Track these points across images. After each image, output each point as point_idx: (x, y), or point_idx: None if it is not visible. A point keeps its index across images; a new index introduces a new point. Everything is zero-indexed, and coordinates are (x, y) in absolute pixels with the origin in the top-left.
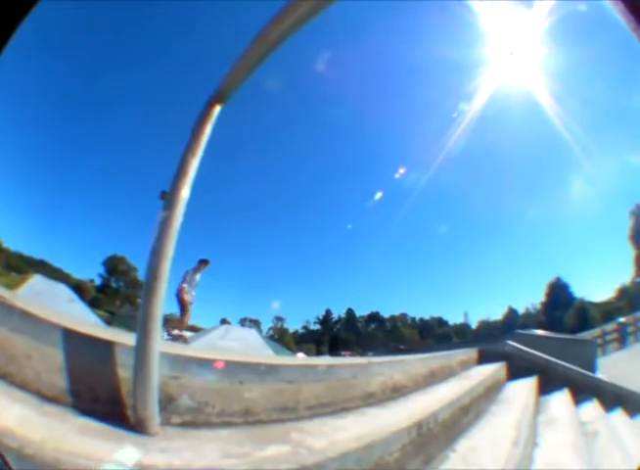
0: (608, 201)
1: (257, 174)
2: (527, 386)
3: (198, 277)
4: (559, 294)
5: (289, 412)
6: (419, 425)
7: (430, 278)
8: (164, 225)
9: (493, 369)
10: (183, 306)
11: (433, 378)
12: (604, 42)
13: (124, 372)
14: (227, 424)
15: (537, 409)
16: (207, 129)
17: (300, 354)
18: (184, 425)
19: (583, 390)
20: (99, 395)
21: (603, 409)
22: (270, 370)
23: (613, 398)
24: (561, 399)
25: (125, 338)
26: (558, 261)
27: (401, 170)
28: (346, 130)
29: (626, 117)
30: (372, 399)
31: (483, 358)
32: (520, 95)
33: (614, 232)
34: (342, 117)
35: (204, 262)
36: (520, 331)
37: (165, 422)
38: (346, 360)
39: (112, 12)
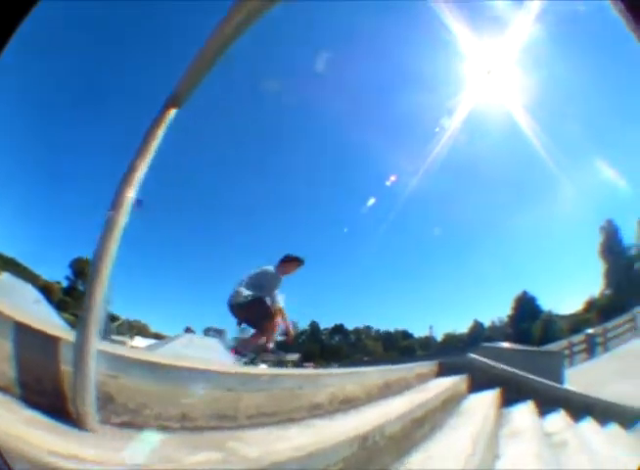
0: (579, 216)
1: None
2: (489, 398)
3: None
4: (525, 307)
5: (228, 420)
6: (364, 438)
7: (395, 291)
8: (109, 225)
9: (453, 382)
10: (270, 330)
11: (387, 390)
12: (582, 60)
13: (68, 368)
14: (164, 428)
15: (500, 422)
16: (159, 133)
17: (263, 366)
18: (122, 425)
19: (550, 401)
20: (45, 387)
21: (571, 420)
22: (210, 377)
23: (581, 407)
24: (525, 410)
25: (70, 335)
26: (525, 275)
27: (383, 183)
28: (328, 142)
29: (604, 131)
30: (319, 411)
31: (444, 371)
32: (497, 113)
33: (584, 247)
34: (326, 128)
35: (295, 262)
36: (485, 344)
37: (105, 421)
38: (293, 371)
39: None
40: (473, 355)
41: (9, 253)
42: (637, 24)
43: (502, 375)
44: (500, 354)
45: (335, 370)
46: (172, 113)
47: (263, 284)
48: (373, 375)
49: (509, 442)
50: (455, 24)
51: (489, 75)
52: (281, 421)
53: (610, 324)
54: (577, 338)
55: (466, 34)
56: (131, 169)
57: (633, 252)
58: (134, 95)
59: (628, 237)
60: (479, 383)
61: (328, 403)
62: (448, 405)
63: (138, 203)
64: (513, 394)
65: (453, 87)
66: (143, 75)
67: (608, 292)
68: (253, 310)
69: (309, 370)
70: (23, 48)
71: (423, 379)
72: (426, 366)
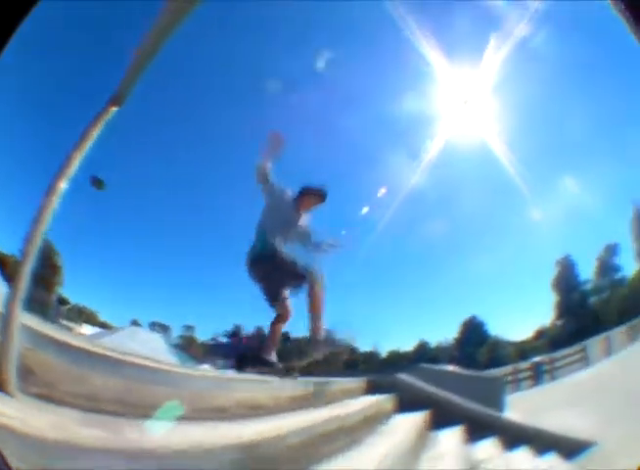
0: (539, 248)
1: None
2: (416, 420)
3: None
4: (473, 331)
5: (131, 408)
6: (257, 445)
7: (344, 304)
8: (41, 209)
9: (377, 400)
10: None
11: (303, 402)
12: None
13: None
14: (73, 405)
15: (424, 444)
16: (97, 128)
17: (205, 366)
18: (38, 396)
19: (482, 427)
20: None
21: (503, 448)
22: (125, 366)
23: (517, 435)
24: (454, 435)
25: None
26: (476, 299)
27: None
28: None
29: (581, 160)
30: (224, 414)
31: (372, 389)
32: (474, 144)
33: (539, 277)
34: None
35: (314, 197)
36: (423, 365)
37: (25, 390)
38: (209, 372)
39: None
40: (403, 375)
41: None
42: (637, 25)
43: (432, 397)
44: (437, 377)
45: (252, 376)
46: (112, 110)
47: (272, 224)
48: (289, 386)
49: (429, 465)
50: (432, 55)
51: (466, 105)
52: (183, 418)
53: (558, 354)
54: (524, 365)
55: (442, 65)
56: (68, 160)
57: (589, 287)
58: (135, 94)
59: (586, 272)
60: (407, 404)
61: (235, 408)
62: (369, 423)
63: (99, 182)
64: (443, 417)
65: (429, 117)
66: (143, 75)
67: (559, 323)
68: (284, 267)
69: (223, 373)
70: (24, 48)
71: (348, 395)
72: (354, 382)
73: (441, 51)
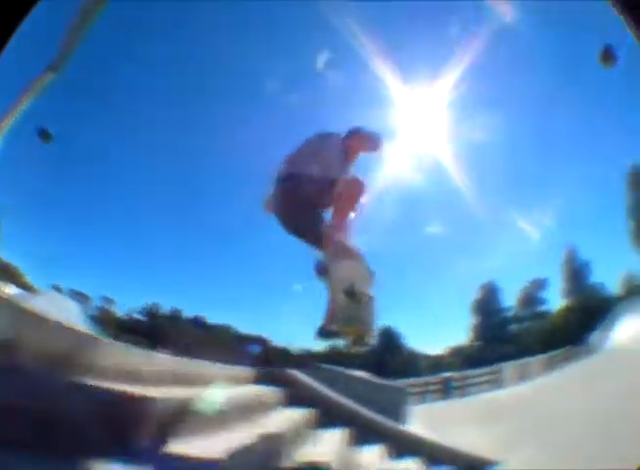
0: (468, 269)
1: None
2: (298, 416)
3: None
4: (389, 340)
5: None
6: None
7: (266, 297)
8: None
9: (260, 391)
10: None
11: (183, 379)
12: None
13: None
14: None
15: (302, 441)
16: (31, 95)
17: (119, 343)
18: None
19: (371, 433)
20: None
21: (390, 456)
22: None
23: (408, 446)
24: (337, 437)
25: None
26: (396, 310)
27: None
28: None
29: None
30: (100, 377)
31: (260, 381)
32: (429, 163)
33: (462, 297)
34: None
35: (365, 142)
36: (325, 365)
37: None
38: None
39: None
40: (293, 371)
41: None
42: (637, 25)
43: (319, 397)
44: (340, 380)
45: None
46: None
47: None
48: (173, 363)
49: (299, 460)
50: (387, 74)
51: (420, 124)
52: (81, 373)
53: (472, 372)
54: (434, 379)
55: (397, 84)
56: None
57: (510, 314)
58: (135, 93)
59: (510, 298)
60: (294, 400)
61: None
62: (244, 412)
63: (47, 135)
64: (330, 418)
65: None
66: (143, 74)
67: (477, 344)
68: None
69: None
70: (24, 48)
71: (232, 382)
72: (242, 371)
73: (397, 70)
